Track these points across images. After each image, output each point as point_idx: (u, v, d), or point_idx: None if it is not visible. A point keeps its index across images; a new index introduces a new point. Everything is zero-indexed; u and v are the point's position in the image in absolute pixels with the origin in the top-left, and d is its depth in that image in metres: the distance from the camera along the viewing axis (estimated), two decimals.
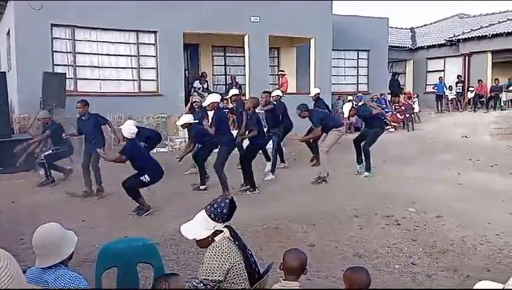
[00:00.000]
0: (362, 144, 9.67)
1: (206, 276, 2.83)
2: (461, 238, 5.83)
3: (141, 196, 7.09)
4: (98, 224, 6.49)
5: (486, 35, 19.53)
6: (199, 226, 2.97)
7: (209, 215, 2.93)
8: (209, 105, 8.35)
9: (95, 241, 5.21)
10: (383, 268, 4.94)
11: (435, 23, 25.97)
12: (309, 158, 10.83)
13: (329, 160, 9.38)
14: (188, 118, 8.67)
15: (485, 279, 2.03)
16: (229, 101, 10.59)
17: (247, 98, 13.43)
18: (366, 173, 9.55)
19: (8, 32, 13.33)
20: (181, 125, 8.85)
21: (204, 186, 8.70)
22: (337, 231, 6.17)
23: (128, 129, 7.02)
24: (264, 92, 10.11)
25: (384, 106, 18.30)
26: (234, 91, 10.51)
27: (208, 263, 2.85)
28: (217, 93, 10.71)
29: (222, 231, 2.96)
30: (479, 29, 20.45)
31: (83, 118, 8.33)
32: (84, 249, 4.90)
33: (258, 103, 9.11)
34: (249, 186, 8.44)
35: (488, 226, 6.28)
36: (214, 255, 2.86)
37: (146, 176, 7.00)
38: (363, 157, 9.66)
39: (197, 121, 8.72)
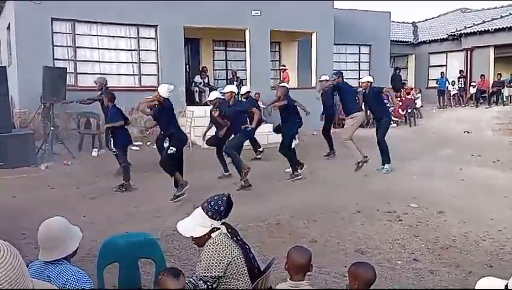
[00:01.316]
0: (376, 138, 9.67)
1: (205, 273, 2.80)
2: (463, 234, 5.81)
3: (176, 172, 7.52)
4: (99, 219, 6.47)
5: (488, 29, 19.43)
6: (196, 223, 2.93)
7: (207, 213, 2.89)
8: (226, 93, 8.40)
9: (96, 237, 5.20)
10: (385, 264, 4.92)
11: (437, 17, 25.85)
12: (323, 153, 11.15)
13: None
14: (218, 94, 9.05)
15: (488, 275, 2.01)
16: (241, 98, 10.69)
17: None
18: (387, 166, 9.51)
19: (8, 27, 13.28)
20: (210, 101, 9.12)
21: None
22: (338, 226, 6.15)
23: (167, 87, 7.40)
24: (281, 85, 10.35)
25: (386, 101, 18.21)
26: (246, 88, 10.75)
27: (206, 260, 2.82)
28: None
29: (219, 228, 2.94)
30: (481, 23, 20.35)
31: (109, 110, 8.61)
32: (85, 244, 4.86)
33: (288, 91, 9.17)
34: (293, 173, 8.88)
35: (490, 222, 6.27)
36: (212, 251, 2.83)
37: (171, 147, 7.36)
38: (381, 150, 9.62)
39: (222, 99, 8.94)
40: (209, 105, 9.65)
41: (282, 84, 11.80)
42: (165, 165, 7.51)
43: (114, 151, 8.77)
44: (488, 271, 4.65)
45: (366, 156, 9.37)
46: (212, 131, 9.42)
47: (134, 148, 11.65)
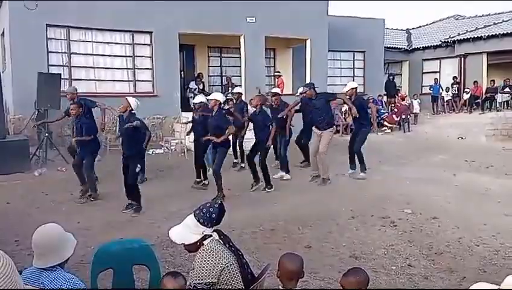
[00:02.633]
0: (355, 146, 9.49)
1: (199, 280, 2.79)
2: (457, 240, 5.84)
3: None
4: (93, 225, 6.45)
5: (481, 36, 19.59)
6: (187, 230, 2.92)
7: (198, 220, 2.89)
8: (211, 100, 8.31)
9: (90, 243, 5.19)
10: (379, 270, 4.93)
11: (430, 24, 26.04)
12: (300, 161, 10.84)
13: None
14: (203, 98, 9.00)
15: (481, 280, 2.03)
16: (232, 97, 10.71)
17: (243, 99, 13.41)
18: (362, 174, 9.44)
19: (3, 33, 13.26)
20: (195, 104, 9.07)
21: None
22: (333, 232, 6.16)
23: (135, 101, 7.38)
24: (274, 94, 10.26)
25: (381, 107, 18.33)
26: (238, 89, 10.71)
27: (200, 267, 2.81)
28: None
29: (211, 235, 2.94)
30: (474, 30, 20.52)
31: (76, 120, 8.27)
32: (79, 250, 4.83)
33: (266, 100, 9.12)
34: (265, 184, 8.64)
35: (483, 227, 6.29)
36: (205, 258, 2.83)
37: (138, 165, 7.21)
38: (357, 159, 9.51)
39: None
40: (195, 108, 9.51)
41: (274, 89, 11.73)
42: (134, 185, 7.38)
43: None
44: (482, 276, 4.67)
45: (329, 179, 9.04)
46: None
47: None
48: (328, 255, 5.40)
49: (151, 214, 7.13)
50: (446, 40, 21.43)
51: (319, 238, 5.93)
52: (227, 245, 2.96)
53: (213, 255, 2.83)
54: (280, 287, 2.87)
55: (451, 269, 4.97)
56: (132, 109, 7.35)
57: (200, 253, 2.87)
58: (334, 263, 5.13)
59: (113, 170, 8.70)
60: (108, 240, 4.52)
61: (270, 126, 8.65)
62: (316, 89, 9.37)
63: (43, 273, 2.46)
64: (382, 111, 18.12)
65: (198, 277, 2.80)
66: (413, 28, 26.18)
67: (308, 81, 15.85)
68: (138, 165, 7.28)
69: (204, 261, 2.82)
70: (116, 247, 3.67)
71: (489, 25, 20.33)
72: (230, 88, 15.22)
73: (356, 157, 9.53)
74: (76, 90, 9.66)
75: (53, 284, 2.40)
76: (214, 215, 2.89)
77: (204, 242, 2.90)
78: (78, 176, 8.16)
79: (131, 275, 3.57)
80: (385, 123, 17.74)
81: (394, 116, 18.00)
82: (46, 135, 10.51)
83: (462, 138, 15.45)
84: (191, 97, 15.27)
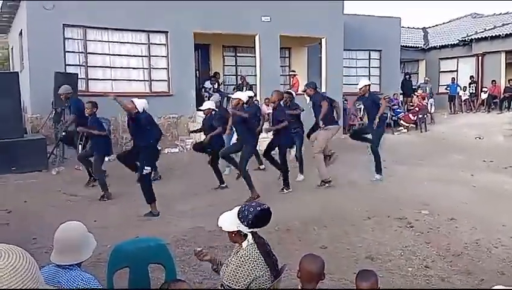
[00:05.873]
0: (369, 146, 9.23)
1: (229, 283, 2.90)
2: (475, 241, 5.75)
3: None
4: (110, 224, 6.49)
5: (499, 35, 19.31)
6: (230, 218, 3.02)
7: (238, 214, 2.97)
8: (234, 99, 8.36)
9: (106, 242, 5.21)
10: (396, 271, 4.88)
11: (447, 23, 25.73)
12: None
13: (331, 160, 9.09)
14: (211, 104, 9.06)
15: (500, 283, 1.99)
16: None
17: (258, 98, 13.41)
18: (377, 176, 9.14)
19: (21, 33, 13.43)
20: (203, 111, 9.16)
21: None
22: (349, 233, 6.11)
23: (142, 102, 7.21)
24: (286, 91, 10.16)
25: (396, 106, 18.15)
26: (246, 94, 10.68)
27: (234, 271, 2.90)
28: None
29: (246, 235, 2.97)
30: (492, 29, 20.22)
31: (89, 119, 8.46)
32: (96, 249, 4.85)
33: (283, 96, 9.02)
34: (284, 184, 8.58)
35: (502, 228, 6.19)
36: (241, 264, 2.90)
37: (146, 167, 7.05)
38: (373, 158, 9.14)
39: (216, 110, 9.12)
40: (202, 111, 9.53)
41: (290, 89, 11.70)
42: (145, 186, 7.13)
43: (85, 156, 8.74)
44: (500, 279, 4.60)
45: (330, 180, 8.67)
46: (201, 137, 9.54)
47: None
48: (343, 256, 5.36)
49: (166, 212, 7.15)
50: (463, 39, 21.16)
51: (335, 238, 5.89)
52: (262, 249, 2.98)
53: (249, 263, 2.89)
54: (300, 287, 2.87)
55: (469, 271, 4.90)
56: (138, 111, 7.17)
57: (239, 257, 2.94)
58: (350, 264, 5.08)
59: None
60: (124, 238, 4.54)
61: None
62: (316, 88, 9.25)
63: (59, 271, 2.47)
64: (398, 110, 17.96)
65: (230, 280, 2.90)
66: (430, 27, 25.87)
67: (323, 80, 15.82)
68: (147, 168, 7.07)
69: (240, 266, 2.90)
70: (132, 246, 3.70)
71: (507, 23, 20.01)
72: (245, 88, 15.21)
73: (373, 157, 9.19)
74: (70, 90, 9.81)
75: (70, 284, 2.41)
76: (250, 216, 2.93)
77: (243, 245, 2.97)
78: (85, 166, 8.66)
79: (147, 273, 3.59)
80: (401, 123, 17.58)
81: (411, 115, 17.80)
82: (64, 133, 10.60)
83: (479, 138, 15.21)
84: (206, 96, 15.31)
